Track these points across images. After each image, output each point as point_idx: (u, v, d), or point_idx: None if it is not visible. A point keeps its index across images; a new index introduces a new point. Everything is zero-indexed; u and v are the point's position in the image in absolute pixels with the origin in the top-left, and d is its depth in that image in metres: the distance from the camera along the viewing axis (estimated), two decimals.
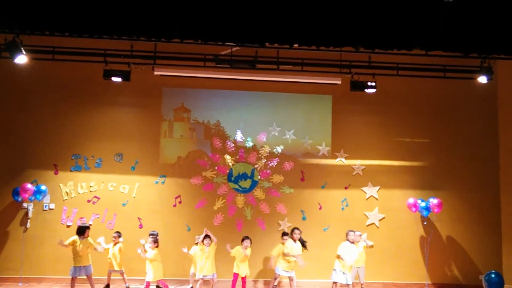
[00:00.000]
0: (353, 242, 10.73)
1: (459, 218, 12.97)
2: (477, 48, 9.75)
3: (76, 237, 10.59)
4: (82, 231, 10.65)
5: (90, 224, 11.72)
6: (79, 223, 11.50)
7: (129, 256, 11.40)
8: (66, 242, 10.51)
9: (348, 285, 10.68)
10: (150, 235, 11.00)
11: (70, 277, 10.59)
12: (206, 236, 10.97)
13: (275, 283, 11.50)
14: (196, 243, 11.14)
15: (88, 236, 10.68)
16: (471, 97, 13.02)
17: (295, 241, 10.97)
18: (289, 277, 11.07)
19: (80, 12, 8.70)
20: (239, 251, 11.08)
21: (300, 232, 11.04)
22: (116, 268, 11.27)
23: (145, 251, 10.65)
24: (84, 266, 10.58)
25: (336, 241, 11.44)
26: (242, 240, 11.13)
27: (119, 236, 11.38)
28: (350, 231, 10.84)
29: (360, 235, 11.56)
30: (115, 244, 11.33)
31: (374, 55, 11.09)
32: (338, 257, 10.56)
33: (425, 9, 9.18)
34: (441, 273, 12.79)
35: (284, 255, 10.88)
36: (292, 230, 11.08)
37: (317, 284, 12.23)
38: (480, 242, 12.87)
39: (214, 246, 10.97)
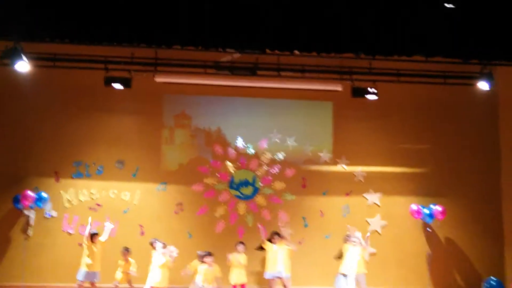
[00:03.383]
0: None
1: (461, 224, 12.91)
2: (478, 54, 9.75)
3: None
4: (91, 237, 10.70)
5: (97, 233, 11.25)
6: (81, 232, 11.40)
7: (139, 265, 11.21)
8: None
9: None
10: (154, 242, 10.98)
11: (80, 281, 10.54)
12: (210, 254, 10.73)
13: None
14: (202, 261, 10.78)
15: (96, 241, 10.71)
16: (472, 103, 12.94)
17: (275, 243, 11.16)
18: (283, 279, 11.10)
19: (80, 19, 8.72)
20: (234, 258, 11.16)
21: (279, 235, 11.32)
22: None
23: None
24: (94, 272, 10.59)
25: (338, 248, 11.42)
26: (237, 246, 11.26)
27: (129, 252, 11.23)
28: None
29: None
30: (126, 260, 11.11)
31: (374, 62, 11.07)
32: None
33: (425, 15, 9.20)
34: (443, 279, 12.72)
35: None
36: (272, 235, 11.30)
37: None
38: (483, 249, 12.80)
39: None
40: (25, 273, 11.76)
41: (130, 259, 11.14)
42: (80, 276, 10.57)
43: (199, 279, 10.49)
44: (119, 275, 11.00)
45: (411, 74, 11.68)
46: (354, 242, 11.02)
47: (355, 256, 10.91)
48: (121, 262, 11.09)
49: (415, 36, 9.27)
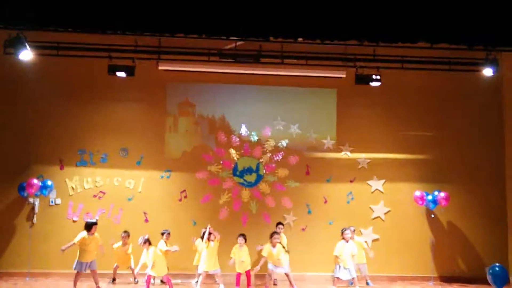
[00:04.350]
0: (347, 240, 10.92)
1: (465, 211, 12.93)
2: (483, 40, 9.69)
3: (84, 233, 10.50)
4: (89, 227, 10.58)
5: (97, 219, 11.57)
6: (86, 219, 11.43)
7: (137, 251, 11.26)
8: (76, 240, 10.42)
9: (353, 278, 10.79)
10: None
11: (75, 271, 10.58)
12: (210, 233, 10.87)
13: (272, 279, 11.38)
14: (202, 237, 11.02)
15: (95, 232, 10.60)
16: (477, 89, 12.90)
17: (274, 246, 10.94)
18: (285, 274, 11.02)
19: (83, 7, 8.69)
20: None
21: (278, 235, 11.15)
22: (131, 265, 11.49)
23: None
24: (89, 262, 10.52)
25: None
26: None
27: (128, 236, 11.48)
28: (345, 229, 11.04)
29: (354, 230, 11.56)
30: (124, 244, 11.41)
31: (378, 48, 11.04)
32: (336, 257, 10.85)
33: (430, 1, 9.14)
34: (447, 266, 12.77)
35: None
36: (271, 235, 11.06)
37: (322, 278, 12.21)
38: (486, 235, 12.83)
39: (217, 242, 10.83)
40: (30, 260, 11.86)
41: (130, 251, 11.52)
42: (75, 267, 10.47)
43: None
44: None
45: (416, 61, 11.61)
46: None
47: None
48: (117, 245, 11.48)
49: (419, 22, 9.22)
